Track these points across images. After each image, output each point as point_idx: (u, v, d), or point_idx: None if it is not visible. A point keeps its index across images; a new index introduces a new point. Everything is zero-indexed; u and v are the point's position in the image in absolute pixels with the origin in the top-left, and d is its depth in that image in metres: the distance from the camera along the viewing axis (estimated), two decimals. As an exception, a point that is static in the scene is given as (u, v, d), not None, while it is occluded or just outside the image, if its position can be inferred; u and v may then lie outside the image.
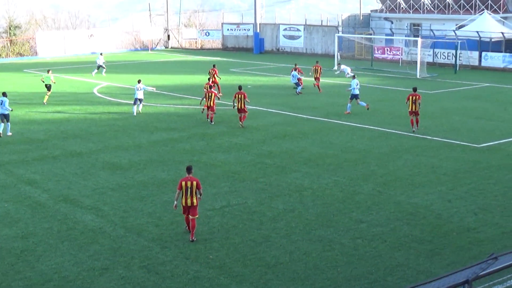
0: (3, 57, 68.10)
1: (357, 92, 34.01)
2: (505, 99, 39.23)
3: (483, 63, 55.21)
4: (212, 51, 75.09)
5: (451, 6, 62.35)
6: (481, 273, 8.89)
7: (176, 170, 23.63)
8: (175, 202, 17.09)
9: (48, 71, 40.68)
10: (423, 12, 64.33)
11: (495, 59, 54.59)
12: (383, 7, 68.39)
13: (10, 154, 26.40)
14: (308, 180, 22.30)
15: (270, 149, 26.76)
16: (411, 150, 26.40)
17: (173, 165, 24.32)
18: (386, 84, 45.52)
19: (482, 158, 25.03)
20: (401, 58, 58.29)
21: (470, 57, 55.44)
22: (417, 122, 29.54)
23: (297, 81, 41.61)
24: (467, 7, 60.73)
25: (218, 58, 63.60)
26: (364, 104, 34.25)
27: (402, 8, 65.91)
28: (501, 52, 54.83)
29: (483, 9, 58.64)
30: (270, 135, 29.44)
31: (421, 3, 64.47)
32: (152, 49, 77.31)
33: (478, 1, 60.38)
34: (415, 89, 29.94)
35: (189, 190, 16.59)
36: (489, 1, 59.45)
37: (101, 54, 54.21)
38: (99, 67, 51.99)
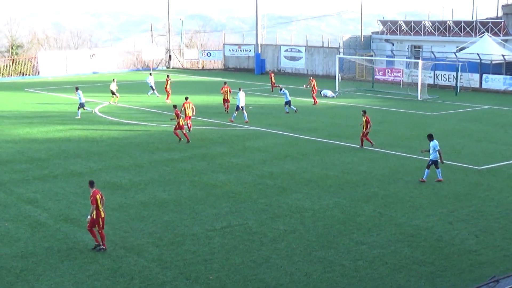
0: (5, 76, 68.41)
1: (241, 104, 38.82)
2: (506, 121, 39.26)
3: (484, 85, 55.34)
4: (214, 72, 75.31)
5: (451, 28, 62.64)
6: (483, 296, 8.85)
7: (177, 190, 23.62)
8: (89, 217, 17.43)
9: (113, 80, 48.24)
10: (424, 34, 64.63)
11: (495, 82, 54.72)
12: (384, 29, 68.72)
13: (10, 173, 26.41)
14: (309, 201, 22.27)
15: (271, 170, 26.75)
16: (412, 172, 26.39)
17: (174, 185, 24.30)
18: (387, 106, 45.59)
19: (483, 180, 25.01)
20: (402, 80, 58.47)
21: (471, 79, 55.59)
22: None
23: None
24: (468, 29, 61.01)
25: (220, 79, 63.75)
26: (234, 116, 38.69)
27: (403, 30, 66.24)
28: (502, 74, 54.96)
29: (483, 32, 58.91)
30: (271, 155, 29.45)
31: (422, 25, 64.80)
32: (153, 69, 77.55)
33: (478, 24, 60.68)
34: (365, 112, 31.24)
35: (101, 201, 17.54)
36: (490, 24, 59.73)
37: (150, 74, 53.48)
38: (151, 87, 51.10)
